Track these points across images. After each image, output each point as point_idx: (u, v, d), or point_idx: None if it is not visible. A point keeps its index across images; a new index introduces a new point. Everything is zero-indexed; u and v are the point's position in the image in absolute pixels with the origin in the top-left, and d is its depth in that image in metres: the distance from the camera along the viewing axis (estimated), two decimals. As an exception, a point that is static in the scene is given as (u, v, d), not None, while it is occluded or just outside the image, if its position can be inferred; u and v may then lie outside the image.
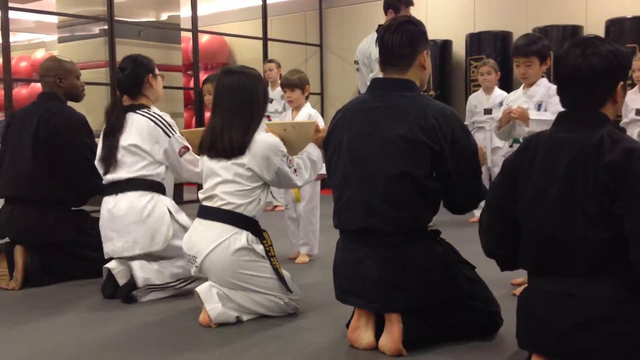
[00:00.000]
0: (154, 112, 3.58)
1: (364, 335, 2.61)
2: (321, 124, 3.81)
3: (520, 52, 3.45)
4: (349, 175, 2.64)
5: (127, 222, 3.43)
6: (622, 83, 2.19)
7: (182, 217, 3.56)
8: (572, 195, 2.10)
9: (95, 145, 3.88)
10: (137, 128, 3.50)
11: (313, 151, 3.33)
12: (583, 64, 2.15)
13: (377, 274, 2.55)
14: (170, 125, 3.55)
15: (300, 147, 3.35)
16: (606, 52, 2.15)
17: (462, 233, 5.23)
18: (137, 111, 3.56)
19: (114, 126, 3.55)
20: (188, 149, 3.56)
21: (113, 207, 3.48)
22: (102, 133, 3.62)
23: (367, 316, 2.63)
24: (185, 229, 3.44)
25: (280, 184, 3.20)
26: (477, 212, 5.80)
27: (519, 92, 3.66)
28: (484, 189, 2.75)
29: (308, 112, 4.40)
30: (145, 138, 3.49)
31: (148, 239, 3.42)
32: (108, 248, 3.51)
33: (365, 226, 2.57)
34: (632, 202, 2.01)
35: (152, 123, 3.51)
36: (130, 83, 3.61)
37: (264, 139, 3.05)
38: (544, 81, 3.50)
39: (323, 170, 3.44)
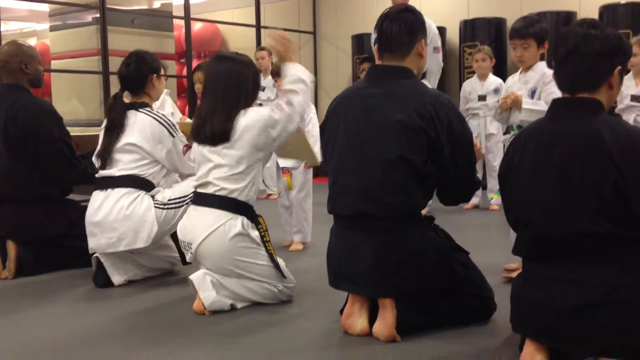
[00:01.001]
0: (158, 112, 3.58)
1: (358, 321, 2.62)
2: (312, 111, 3.78)
3: (517, 34, 3.38)
4: (345, 160, 2.63)
5: (111, 220, 3.40)
6: (619, 68, 2.17)
7: (173, 191, 3.53)
8: (568, 189, 2.07)
9: (66, 134, 3.86)
10: (140, 127, 3.47)
11: (295, 70, 3.09)
12: (584, 42, 2.14)
13: (372, 259, 2.54)
14: (174, 125, 3.54)
15: (291, 140, 3.24)
16: (609, 34, 2.15)
17: (456, 219, 5.26)
18: (140, 110, 3.52)
19: (114, 124, 3.52)
20: (189, 147, 3.54)
21: (99, 205, 3.45)
22: (103, 129, 3.59)
23: (361, 302, 2.63)
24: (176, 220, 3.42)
25: (284, 137, 3.05)
26: (472, 199, 5.81)
27: (516, 77, 3.61)
28: (477, 178, 2.76)
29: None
30: (148, 137, 3.46)
31: (132, 235, 3.40)
32: (92, 244, 3.49)
33: (361, 211, 2.57)
34: None
35: (157, 122, 3.48)
36: (133, 80, 3.58)
37: (250, 118, 2.97)
38: (540, 65, 3.44)
39: (316, 157, 3.42)
